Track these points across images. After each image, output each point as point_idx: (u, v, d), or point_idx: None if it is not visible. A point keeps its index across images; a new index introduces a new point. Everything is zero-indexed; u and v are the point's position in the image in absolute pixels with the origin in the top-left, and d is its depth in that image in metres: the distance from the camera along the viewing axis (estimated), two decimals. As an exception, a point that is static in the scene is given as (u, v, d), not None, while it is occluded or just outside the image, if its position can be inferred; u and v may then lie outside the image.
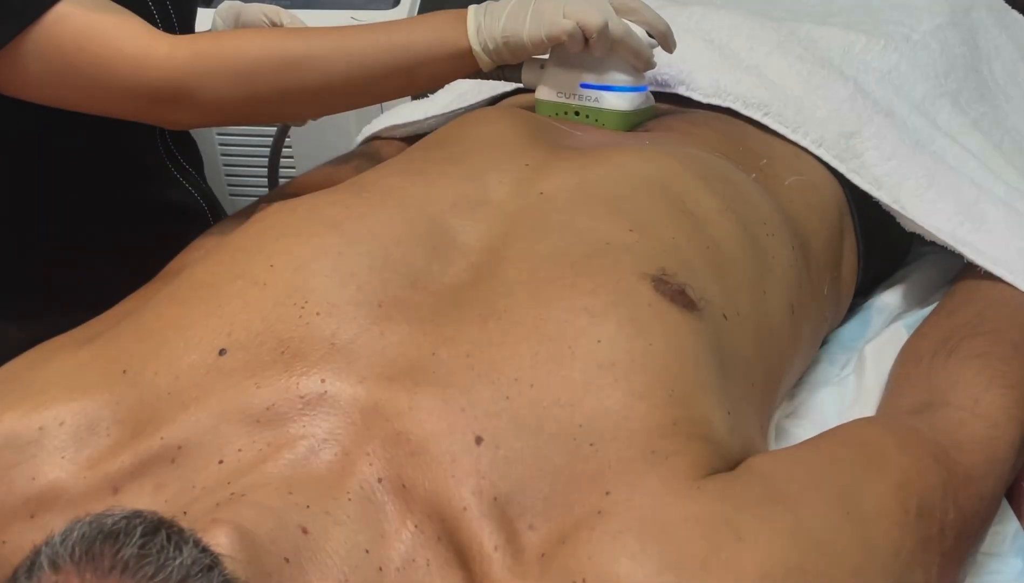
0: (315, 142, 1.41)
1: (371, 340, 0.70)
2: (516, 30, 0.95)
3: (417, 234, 0.78)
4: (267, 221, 0.79)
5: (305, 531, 0.60)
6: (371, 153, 1.19)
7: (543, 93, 1.02)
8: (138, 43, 0.89)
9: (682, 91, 1.07)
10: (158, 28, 1.02)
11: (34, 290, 1.07)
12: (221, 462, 0.65)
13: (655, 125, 1.02)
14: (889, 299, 1.06)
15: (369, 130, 1.26)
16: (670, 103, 1.08)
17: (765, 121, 1.04)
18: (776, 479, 0.66)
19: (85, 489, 0.65)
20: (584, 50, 0.96)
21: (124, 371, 0.70)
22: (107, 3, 0.91)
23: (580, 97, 1.00)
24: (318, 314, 0.71)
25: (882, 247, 1.08)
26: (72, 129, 0.99)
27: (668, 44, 1.00)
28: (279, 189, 1.13)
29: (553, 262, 0.74)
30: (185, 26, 1.10)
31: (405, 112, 1.24)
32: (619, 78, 0.99)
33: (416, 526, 0.62)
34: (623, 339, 0.68)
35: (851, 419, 0.92)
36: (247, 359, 0.69)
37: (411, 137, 1.23)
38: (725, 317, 0.77)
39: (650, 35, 0.98)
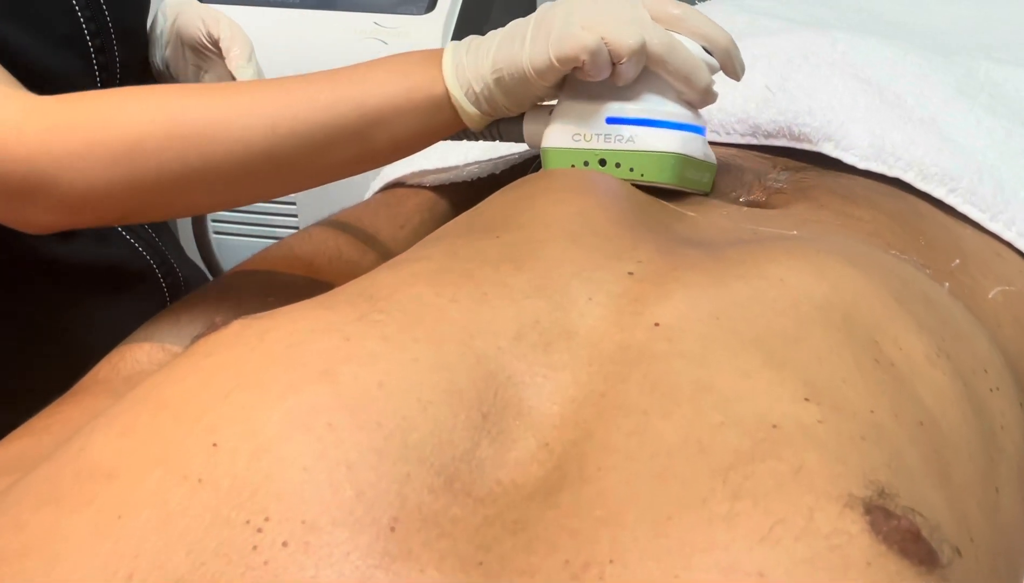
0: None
1: None
2: (512, 58, 0.66)
3: (458, 390, 0.48)
4: (216, 357, 0.49)
5: None
6: (390, 211, 0.89)
7: (553, 138, 0.71)
8: None
9: (828, 150, 0.77)
10: (82, 30, 0.73)
11: None
12: None
13: (793, 200, 0.72)
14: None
15: (391, 175, 0.96)
16: (810, 163, 0.78)
17: (950, 201, 0.74)
18: None
19: None
20: (610, 78, 0.67)
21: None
22: None
23: (607, 138, 0.69)
24: (285, 544, 0.41)
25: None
26: None
27: (732, 66, 0.70)
28: (244, 269, 0.82)
29: (687, 461, 0.44)
30: (128, 26, 0.81)
31: (437, 151, 0.94)
32: (662, 110, 0.69)
33: None
34: (833, 641, 0.38)
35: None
36: (158, 628, 0.39)
37: (446, 188, 0.94)
38: (959, 553, 0.46)
39: (708, 52, 0.68)
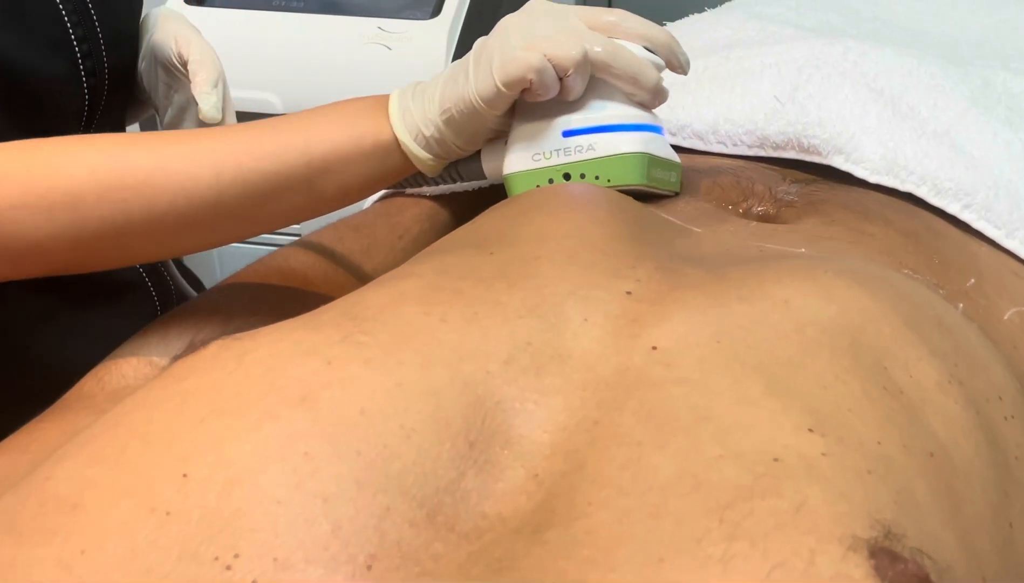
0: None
1: None
2: (458, 94, 0.66)
3: (444, 417, 0.46)
4: (191, 381, 0.47)
5: None
6: (388, 221, 0.87)
7: (513, 163, 0.70)
8: None
9: (838, 163, 0.74)
10: (68, 35, 0.71)
11: None
12: None
13: (804, 214, 0.69)
14: None
15: (389, 183, 0.93)
16: (820, 175, 0.75)
17: (964, 217, 0.71)
18: None
19: None
20: (560, 94, 0.67)
21: None
22: None
23: (566, 151, 0.68)
24: (256, 583, 0.39)
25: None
26: None
27: (676, 61, 0.69)
28: (237, 281, 0.80)
29: (682, 498, 0.42)
30: (118, 31, 0.79)
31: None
32: (616, 114, 0.68)
33: None
34: None
35: None
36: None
37: (446, 198, 0.91)
38: (970, 594, 0.44)
39: (650, 51, 0.68)
